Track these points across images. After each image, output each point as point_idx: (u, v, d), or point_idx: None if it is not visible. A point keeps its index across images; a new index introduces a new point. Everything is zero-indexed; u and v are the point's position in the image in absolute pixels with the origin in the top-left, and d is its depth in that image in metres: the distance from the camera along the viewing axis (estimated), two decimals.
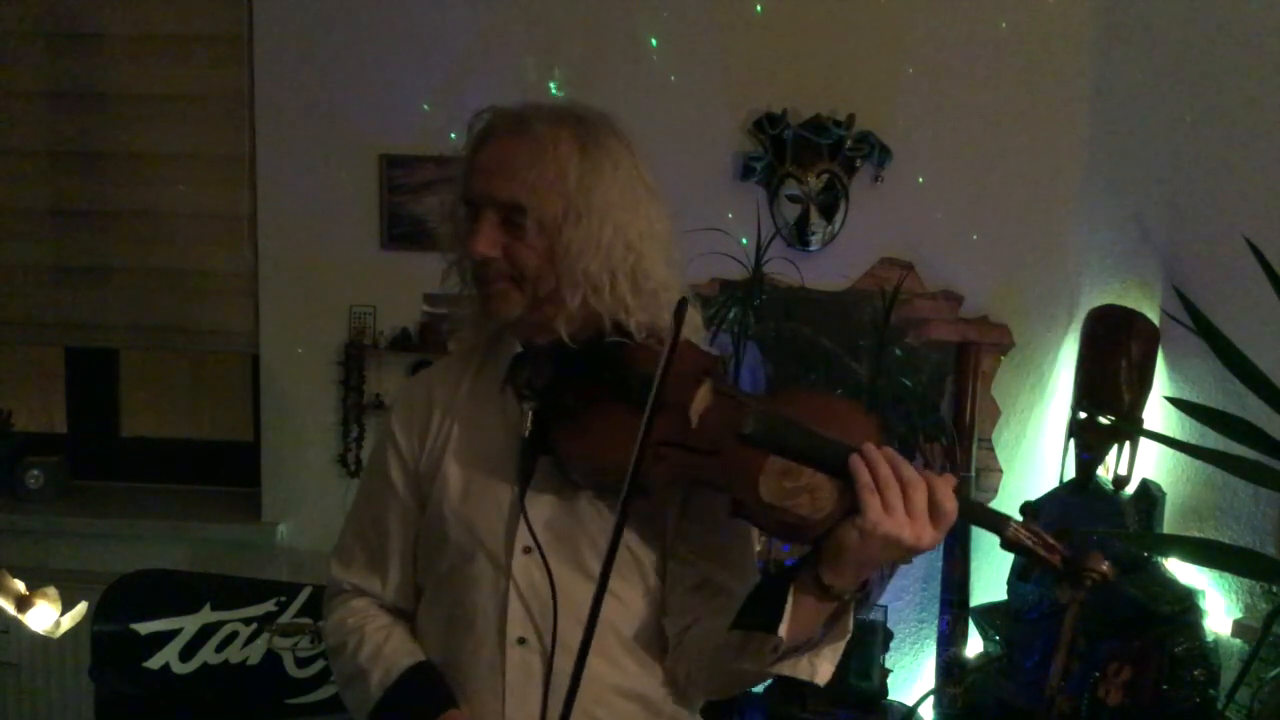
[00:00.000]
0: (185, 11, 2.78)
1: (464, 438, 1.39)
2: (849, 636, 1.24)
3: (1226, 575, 2.29)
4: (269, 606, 2.38)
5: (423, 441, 1.41)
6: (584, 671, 1.17)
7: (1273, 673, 2.05)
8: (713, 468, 1.24)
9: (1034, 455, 2.73)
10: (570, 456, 1.28)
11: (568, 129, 1.30)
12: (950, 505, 1.15)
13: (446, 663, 1.38)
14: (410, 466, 1.42)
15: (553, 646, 1.30)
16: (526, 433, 1.30)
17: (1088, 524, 2.34)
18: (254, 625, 2.36)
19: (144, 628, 2.32)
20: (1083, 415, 2.45)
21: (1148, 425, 2.42)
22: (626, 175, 1.33)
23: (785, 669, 1.23)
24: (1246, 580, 2.24)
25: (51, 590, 1.87)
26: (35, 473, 2.92)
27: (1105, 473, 2.45)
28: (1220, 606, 2.30)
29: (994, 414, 2.71)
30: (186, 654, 2.33)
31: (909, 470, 1.15)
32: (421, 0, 2.71)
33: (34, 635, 1.87)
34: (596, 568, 1.27)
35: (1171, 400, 2.26)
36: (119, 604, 2.34)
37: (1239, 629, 2.24)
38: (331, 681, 2.34)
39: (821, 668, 1.24)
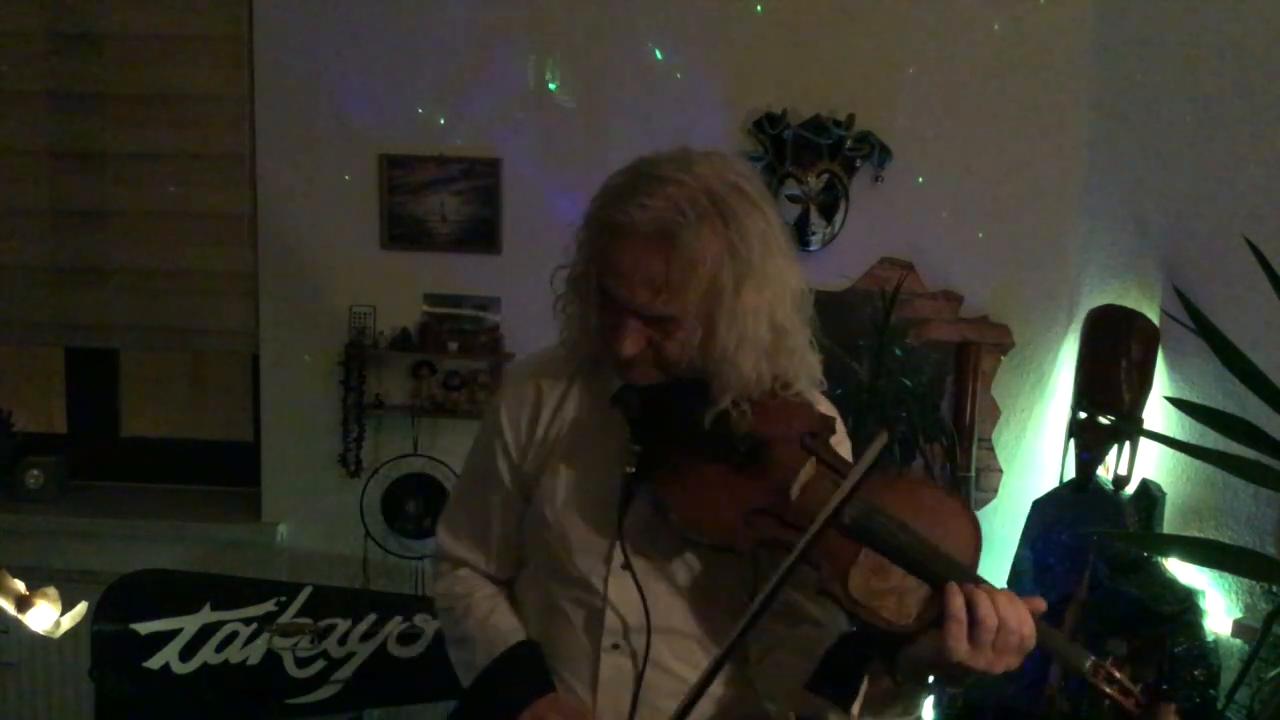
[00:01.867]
0: (185, 11, 2.77)
1: (571, 447, 1.44)
2: (918, 716, 1.30)
3: (1226, 575, 2.28)
4: (269, 606, 2.38)
5: (530, 438, 1.46)
6: (649, 671, 1.34)
7: (1273, 673, 2.05)
8: (809, 547, 1.21)
9: (1034, 455, 2.73)
10: (664, 503, 1.30)
11: (710, 225, 1.25)
12: (1031, 641, 1.16)
13: (544, 644, 1.45)
14: (516, 463, 1.47)
15: (646, 655, 1.37)
16: (630, 471, 1.32)
17: (1088, 524, 2.34)
18: (254, 625, 2.36)
19: (144, 628, 2.32)
20: (1083, 415, 2.45)
21: (1148, 425, 2.42)
22: (769, 247, 1.30)
23: None
24: (1246, 580, 2.23)
25: (51, 590, 1.87)
26: (35, 473, 2.92)
27: (1105, 473, 2.45)
28: (1220, 606, 2.30)
29: (994, 414, 2.71)
30: (186, 654, 2.33)
31: (1002, 608, 1.15)
32: (422, 0, 2.71)
33: (34, 635, 1.87)
34: (688, 587, 1.39)
35: (1171, 400, 2.26)
36: (119, 604, 2.34)
37: (1239, 629, 2.24)
38: (331, 681, 2.35)
39: None
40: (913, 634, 1.17)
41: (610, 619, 1.39)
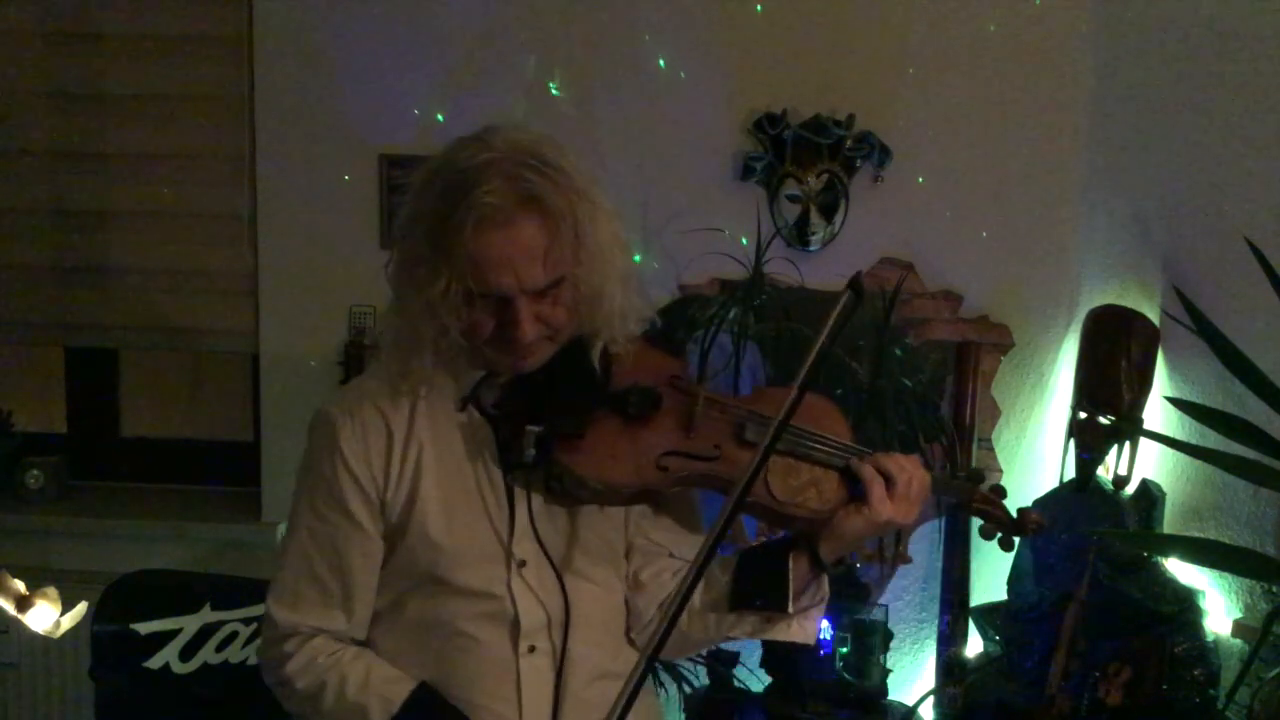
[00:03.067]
0: (185, 11, 2.77)
1: (435, 463, 1.37)
2: (827, 598, 1.39)
3: (1226, 575, 2.29)
4: None
5: (387, 471, 1.37)
6: (566, 663, 1.34)
7: (1273, 673, 2.05)
8: (719, 472, 1.31)
9: (1034, 455, 2.73)
10: (576, 475, 1.31)
11: (547, 177, 1.27)
12: (928, 484, 1.36)
13: (440, 679, 1.37)
14: (375, 499, 1.38)
15: (564, 646, 1.36)
16: (531, 454, 1.30)
17: (1088, 524, 2.35)
18: (254, 625, 2.35)
19: (144, 628, 2.32)
20: (1083, 415, 2.45)
21: (1148, 425, 2.42)
22: (587, 179, 1.35)
23: (777, 634, 1.37)
24: (1246, 580, 2.24)
25: (51, 590, 1.87)
26: (35, 473, 2.92)
27: (1105, 473, 2.45)
28: (1220, 606, 2.30)
29: (994, 414, 2.71)
30: (186, 654, 2.32)
31: (903, 460, 1.34)
32: (421, 0, 2.71)
33: (34, 635, 1.87)
34: (590, 570, 1.39)
35: (1171, 400, 2.26)
36: (119, 604, 2.34)
37: (1239, 629, 2.24)
38: None
39: (810, 628, 1.38)
40: (835, 509, 1.33)
41: (525, 620, 1.35)
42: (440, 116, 2.73)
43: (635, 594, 1.45)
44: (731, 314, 2.53)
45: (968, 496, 1.43)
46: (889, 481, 1.32)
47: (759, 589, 1.35)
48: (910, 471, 1.33)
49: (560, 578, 1.36)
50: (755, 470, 1.19)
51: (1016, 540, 1.44)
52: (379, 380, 1.40)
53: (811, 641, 1.39)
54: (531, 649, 1.36)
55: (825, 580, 1.37)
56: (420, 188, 1.33)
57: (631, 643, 1.46)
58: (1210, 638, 2.27)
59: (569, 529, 1.38)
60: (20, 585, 1.85)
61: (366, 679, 1.37)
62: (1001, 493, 1.45)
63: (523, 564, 1.35)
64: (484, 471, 1.37)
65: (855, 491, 1.33)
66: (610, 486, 1.32)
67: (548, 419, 1.31)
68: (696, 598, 1.39)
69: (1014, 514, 1.42)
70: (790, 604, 1.31)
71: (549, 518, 1.37)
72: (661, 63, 2.68)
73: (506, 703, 1.35)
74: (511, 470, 1.35)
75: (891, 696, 2.53)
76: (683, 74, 2.69)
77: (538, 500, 1.36)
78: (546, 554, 1.36)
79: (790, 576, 1.32)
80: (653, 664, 1.18)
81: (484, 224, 1.24)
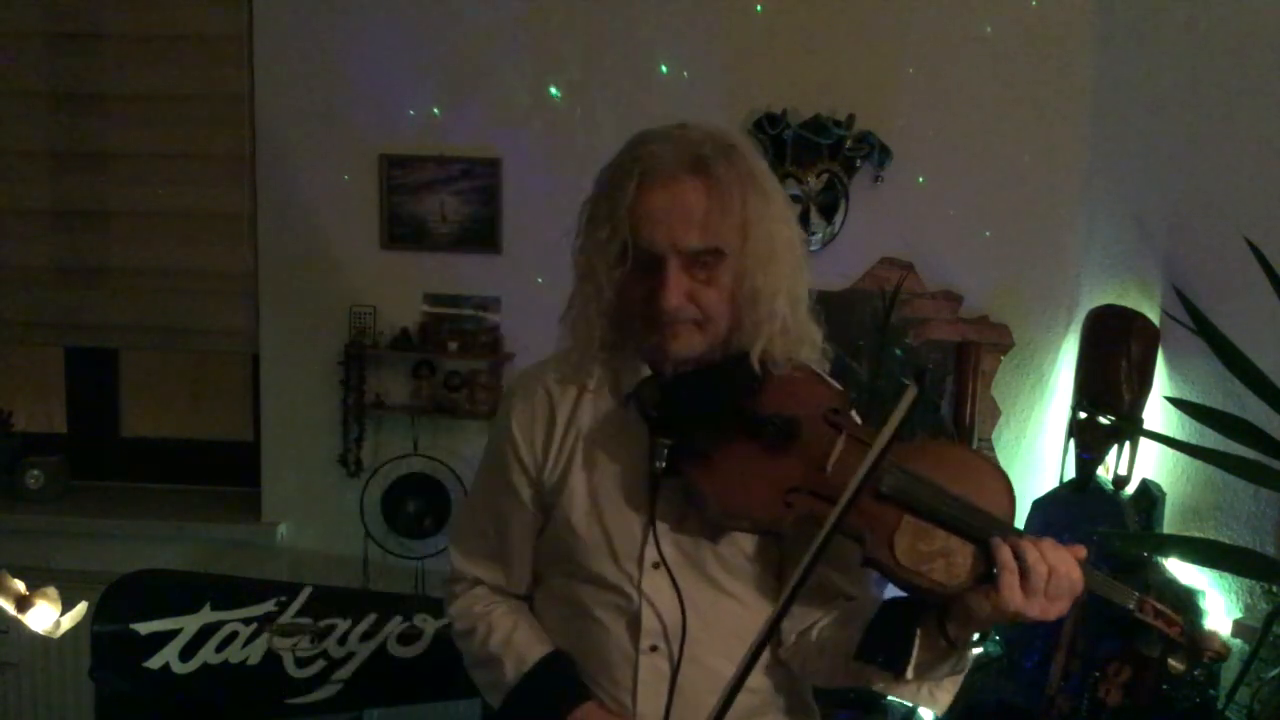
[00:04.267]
0: (185, 11, 2.78)
1: (590, 454, 1.40)
2: (967, 671, 1.28)
3: (1226, 575, 2.28)
4: (269, 606, 2.38)
5: (546, 452, 1.42)
6: (684, 668, 1.33)
7: (1273, 673, 2.05)
8: (846, 520, 1.22)
9: (1034, 455, 2.73)
10: (700, 494, 1.29)
11: (726, 158, 1.28)
12: (1079, 583, 1.19)
13: (577, 653, 1.42)
14: (534, 476, 1.43)
15: (680, 653, 1.35)
16: (661, 466, 1.30)
17: (1088, 524, 2.34)
18: (254, 625, 2.36)
19: (144, 628, 2.32)
20: (1083, 415, 2.45)
21: (1148, 425, 2.42)
22: (775, 183, 1.34)
23: (905, 695, 1.30)
24: (1246, 580, 2.23)
25: (51, 590, 1.87)
26: (35, 473, 2.92)
27: (1105, 473, 2.45)
28: (1220, 606, 2.30)
29: (994, 414, 2.71)
30: (186, 654, 2.33)
31: (1049, 554, 1.18)
32: (422, 1, 2.71)
33: (34, 635, 1.87)
34: (722, 578, 1.38)
35: (1171, 400, 2.26)
36: (119, 604, 2.34)
37: (1239, 629, 2.24)
38: (332, 681, 2.34)
39: (941, 698, 1.29)
40: (964, 588, 1.19)
41: (647, 620, 1.36)
42: (439, 113, 2.73)
43: (783, 617, 1.40)
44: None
45: (1134, 605, 1.23)
46: (1024, 573, 1.17)
47: (883, 646, 1.26)
48: (1051, 565, 1.17)
49: (678, 585, 1.34)
50: (839, 515, 1.14)
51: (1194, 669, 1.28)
52: (556, 364, 1.45)
53: (940, 712, 1.30)
54: (653, 648, 1.37)
55: (967, 655, 1.27)
56: (613, 158, 1.36)
57: (780, 661, 1.43)
58: None
59: (711, 541, 1.36)
60: (20, 585, 1.85)
61: (511, 635, 1.44)
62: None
63: (656, 565, 1.35)
64: (633, 470, 1.36)
65: (989, 573, 1.19)
66: (729, 512, 1.28)
67: (682, 432, 1.30)
68: (836, 635, 1.36)
69: (1190, 634, 1.23)
70: (909, 669, 1.23)
71: (690, 526, 1.35)
72: (664, 69, 2.68)
73: (624, 692, 1.38)
74: (653, 475, 1.32)
75: (891, 697, 2.53)
76: (686, 74, 2.69)
77: (679, 508, 1.34)
78: (672, 561, 1.34)
79: (915, 642, 1.24)
80: (743, 677, 1.21)
81: (648, 177, 1.27)
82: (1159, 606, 1.23)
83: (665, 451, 1.30)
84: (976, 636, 1.27)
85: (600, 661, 1.40)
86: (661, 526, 1.35)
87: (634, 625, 1.37)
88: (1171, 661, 1.27)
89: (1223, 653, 1.22)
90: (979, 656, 2.57)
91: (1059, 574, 1.17)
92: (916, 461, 1.25)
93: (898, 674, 1.24)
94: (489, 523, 1.49)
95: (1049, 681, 2.24)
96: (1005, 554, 1.17)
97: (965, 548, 1.21)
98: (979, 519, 1.21)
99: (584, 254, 1.35)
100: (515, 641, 1.44)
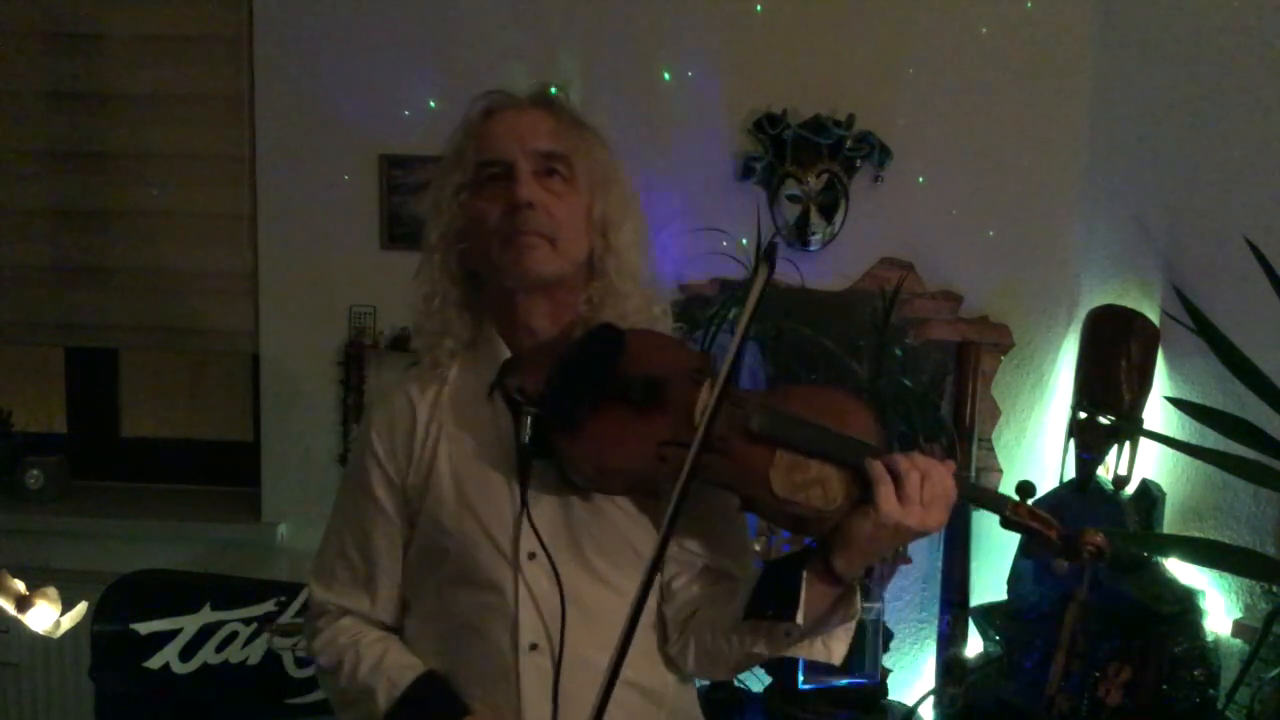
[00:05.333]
0: (185, 11, 2.78)
1: (453, 447, 1.37)
2: (859, 616, 1.28)
3: (1226, 575, 2.28)
4: (269, 606, 2.38)
5: (408, 455, 1.39)
6: (565, 665, 1.28)
7: (1273, 673, 2.05)
8: (720, 466, 1.25)
9: (1034, 455, 2.73)
10: (574, 460, 1.29)
11: (575, 114, 1.38)
12: (953, 489, 1.22)
13: (451, 671, 1.37)
14: (396, 482, 1.40)
15: (561, 649, 1.31)
16: (527, 439, 1.29)
17: (1088, 524, 2.33)
18: (254, 625, 2.36)
19: (144, 628, 2.32)
20: (1083, 415, 2.45)
21: (1148, 425, 2.42)
22: (614, 159, 1.40)
23: (800, 651, 1.28)
24: (1246, 580, 2.24)
25: (51, 590, 1.87)
26: (35, 473, 2.92)
27: (1105, 473, 2.45)
28: (1220, 606, 2.30)
29: (994, 414, 2.71)
30: (186, 654, 2.33)
31: (919, 461, 1.20)
32: (422, 1, 2.71)
33: (34, 635, 1.87)
34: (601, 566, 1.34)
35: (1171, 400, 2.26)
36: (119, 604, 2.34)
37: (1239, 629, 2.24)
38: None
39: (835, 648, 1.29)
40: (843, 510, 1.23)
41: (526, 615, 1.32)
42: (438, 111, 2.73)
43: (666, 604, 1.40)
44: (731, 314, 2.53)
45: (1001, 507, 1.27)
46: (897, 481, 1.19)
47: (771, 599, 1.26)
48: (923, 471, 1.19)
49: (557, 573, 1.30)
50: (701, 441, 1.18)
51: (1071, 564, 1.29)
52: (416, 374, 1.45)
53: (836, 662, 1.30)
54: (533, 646, 1.32)
55: (855, 599, 1.27)
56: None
57: (667, 657, 1.40)
58: (1210, 638, 2.27)
59: (587, 527, 1.34)
60: (20, 585, 1.85)
61: (380, 662, 1.38)
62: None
63: (532, 556, 1.32)
64: (501, 460, 1.34)
65: (865, 493, 1.21)
66: (604, 470, 1.28)
67: (547, 401, 1.29)
68: (723, 612, 1.34)
69: (1066, 533, 1.27)
70: (799, 613, 1.22)
71: (564, 512, 1.33)
72: (664, 69, 2.68)
73: (506, 700, 1.33)
74: (521, 457, 1.31)
75: (891, 696, 2.53)
76: (686, 74, 2.69)
77: (552, 493, 1.33)
78: (549, 546, 1.31)
79: (803, 585, 1.23)
80: (619, 665, 1.20)
81: (494, 108, 1.36)
82: (1032, 508, 1.27)
83: (530, 421, 1.29)
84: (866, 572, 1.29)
85: (481, 674, 1.34)
86: (536, 510, 1.32)
87: (513, 625, 1.32)
88: (1058, 561, 1.29)
89: (1104, 546, 1.26)
90: (978, 656, 2.57)
91: (932, 478, 1.20)
92: (783, 403, 1.29)
93: (788, 619, 1.23)
94: (352, 545, 1.43)
95: (1049, 681, 2.24)
96: (878, 467, 1.20)
97: (839, 473, 1.24)
98: (849, 445, 1.24)
99: (435, 207, 1.40)
100: (386, 665, 1.37)
